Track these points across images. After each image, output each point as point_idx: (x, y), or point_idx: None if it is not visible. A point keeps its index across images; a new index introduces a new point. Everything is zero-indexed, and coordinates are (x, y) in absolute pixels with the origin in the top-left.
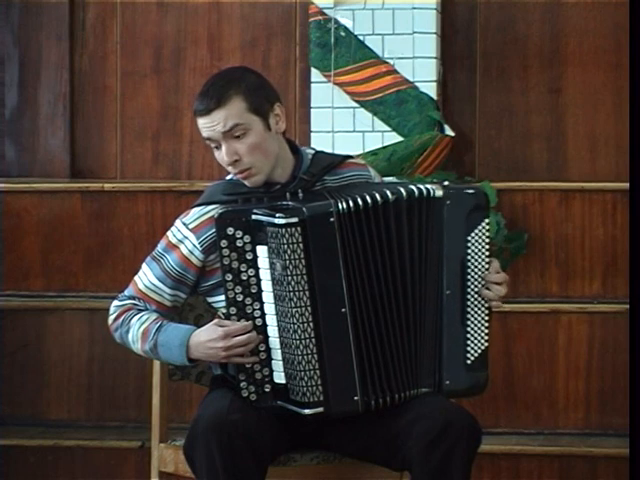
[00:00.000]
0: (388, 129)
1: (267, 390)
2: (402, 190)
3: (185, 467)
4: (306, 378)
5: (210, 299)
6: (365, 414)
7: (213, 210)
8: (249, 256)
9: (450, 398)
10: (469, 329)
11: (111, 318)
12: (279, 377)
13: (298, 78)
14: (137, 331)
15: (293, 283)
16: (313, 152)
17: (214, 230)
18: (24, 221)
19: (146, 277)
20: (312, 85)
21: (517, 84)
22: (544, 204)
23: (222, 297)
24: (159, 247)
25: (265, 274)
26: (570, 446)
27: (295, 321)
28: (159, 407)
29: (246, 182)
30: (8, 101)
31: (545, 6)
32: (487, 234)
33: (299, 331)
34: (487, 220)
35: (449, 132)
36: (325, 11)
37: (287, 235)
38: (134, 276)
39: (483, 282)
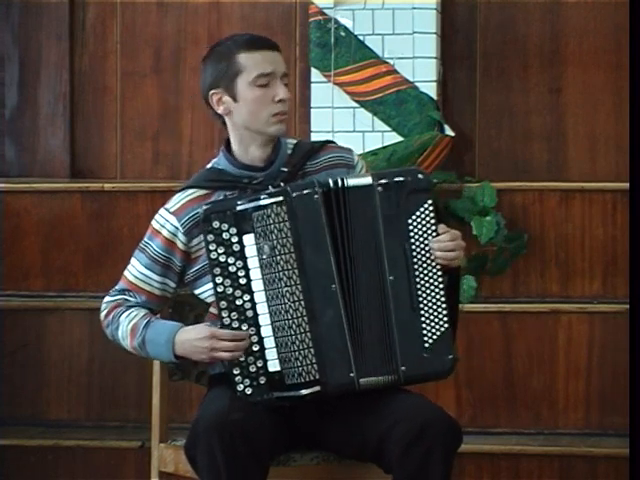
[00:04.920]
0: (388, 129)
1: (262, 382)
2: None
3: (185, 467)
4: (301, 358)
5: (196, 290)
6: (356, 415)
7: (194, 194)
8: (236, 248)
9: (412, 384)
10: (423, 312)
11: (102, 314)
12: (273, 365)
13: (298, 78)
14: (126, 327)
15: (282, 263)
16: (295, 142)
17: (195, 212)
18: (24, 221)
19: (134, 268)
20: (312, 85)
21: (517, 84)
22: (544, 204)
23: (207, 287)
24: (145, 237)
25: (253, 262)
26: (570, 446)
27: (286, 301)
28: (159, 407)
29: (278, 127)
30: (8, 101)
31: (545, 6)
32: (432, 215)
33: (291, 310)
34: (430, 201)
35: (449, 132)
36: (325, 11)
37: (273, 215)
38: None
39: (433, 264)
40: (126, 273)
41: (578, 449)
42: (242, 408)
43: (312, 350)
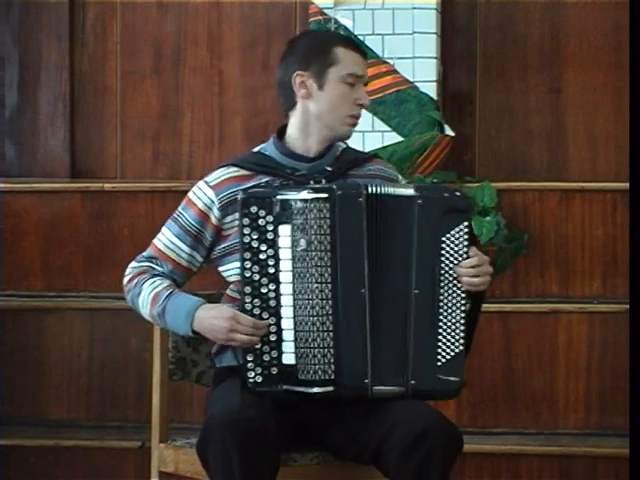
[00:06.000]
0: (388, 129)
1: (274, 373)
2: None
3: (185, 467)
4: (319, 356)
5: (221, 267)
6: (358, 417)
7: (236, 172)
8: (270, 236)
9: (418, 399)
10: (441, 330)
11: (126, 279)
12: (288, 358)
13: None
14: (148, 295)
15: (316, 259)
16: (344, 147)
17: (234, 190)
18: (24, 221)
19: (165, 236)
20: None
21: (517, 84)
22: (544, 204)
23: (232, 265)
24: (179, 207)
25: (285, 253)
26: (570, 446)
27: (314, 297)
28: (159, 407)
29: (348, 129)
30: (8, 101)
31: (545, 6)
32: (465, 237)
33: (317, 307)
34: (466, 223)
35: (449, 132)
36: (325, 11)
37: (315, 210)
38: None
39: (459, 284)
40: (155, 241)
41: (578, 449)
42: (254, 405)
43: (332, 350)
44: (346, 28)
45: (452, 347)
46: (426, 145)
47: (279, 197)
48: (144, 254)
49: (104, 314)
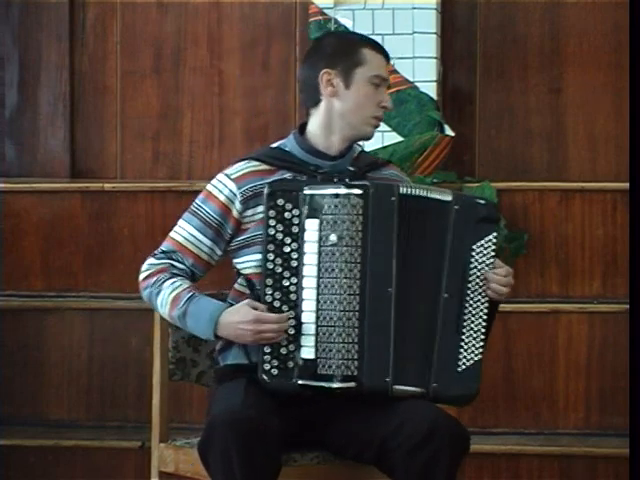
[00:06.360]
0: (388, 129)
1: (290, 366)
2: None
3: (185, 467)
4: (343, 351)
5: (237, 259)
6: (361, 414)
7: (257, 166)
8: (295, 229)
9: (436, 402)
10: (464, 337)
11: (143, 275)
12: (308, 352)
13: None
14: (168, 296)
15: (347, 254)
16: (359, 149)
17: (256, 184)
18: (24, 221)
19: (184, 230)
20: None
21: (517, 84)
22: (544, 204)
23: (250, 257)
24: (197, 200)
25: (310, 247)
26: (570, 446)
27: (342, 292)
28: (159, 407)
29: (371, 130)
30: (8, 101)
31: (545, 6)
32: (493, 247)
33: (345, 303)
34: (495, 234)
35: (449, 132)
36: (325, 11)
37: (349, 206)
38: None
39: (483, 293)
40: (173, 235)
41: (578, 449)
42: (256, 404)
43: (356, 346)
44: (346, 28)
45: (473, 354)
46: (426, 145)
47: (307, 191)
48: (162, 249)
49: (104, 314)
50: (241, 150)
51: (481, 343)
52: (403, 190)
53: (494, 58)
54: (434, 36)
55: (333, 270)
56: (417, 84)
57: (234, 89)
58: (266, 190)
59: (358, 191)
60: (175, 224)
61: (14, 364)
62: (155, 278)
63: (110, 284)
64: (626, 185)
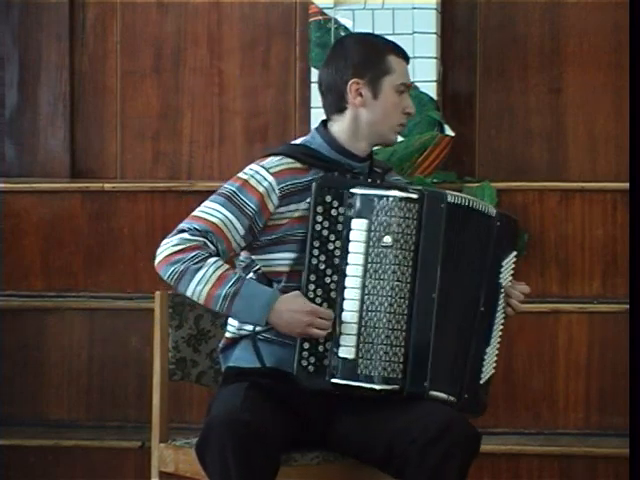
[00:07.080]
0: None
1: (325, 364)
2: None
3: (185, 467)
4: (391, 353)
5: (267, 256)
6: (369, 413)
7: (293, 164)
8: (339, 227)
9: (461, 411)
10: (487, 350)
11: (176, 247)
12: (347, 352)
13: (298, 78)
14: (213, 273)
15: (401, 257)
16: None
17: (295, 182)
18: (24, 221)
19: (219, 212)
20: (312, 85)
21: (517, 84)
22: (544, 204)
23: (284, 255)
24: (230, 187)
25: (355, 247)
26: (570, 446)
27: (394, 294)
28: (159, 407)
29: (397, 137)
30: (8, 101)
31: (545, 6)
32: (514, 264)
33: (395, 305)
34: (515, 252)
35: (449, 132)
36: (325, 11)
37: (405, 209)
38: (182, 222)
39: (504, 307)
40: (205, 215)
41: (578, 449)
42: (255, 406)
43: (402, 349)
44: (346, 28)
45: (490, 368)
46: (426, 145)
47: (355, 190)
48: (195, 227)
49: (104, 314)
50: (241, 150)
51: (495, 358)
52: (451, 199)
53: (494, 58)
54: (434, 36)
55: (384, 272)
56: (417, 84)
57: (234, 89)
58: (314, 186)
59: (414, 195)
60: (199, 206)
61: (14, 364)
62: (195, 252)
63: (110, 284)
64: (626, 185)
